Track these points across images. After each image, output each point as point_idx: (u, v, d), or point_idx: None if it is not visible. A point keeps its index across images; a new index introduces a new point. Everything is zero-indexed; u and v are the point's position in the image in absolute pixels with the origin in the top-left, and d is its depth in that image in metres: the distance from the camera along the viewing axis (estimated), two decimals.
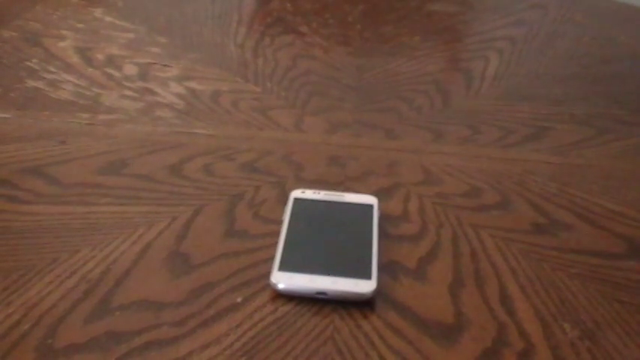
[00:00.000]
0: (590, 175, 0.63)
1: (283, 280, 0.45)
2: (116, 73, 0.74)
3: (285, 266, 0.46)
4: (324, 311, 0.45)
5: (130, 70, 0.75)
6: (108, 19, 0.88)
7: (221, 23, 0.90)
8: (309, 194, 0.54)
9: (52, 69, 0.74)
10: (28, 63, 0.75)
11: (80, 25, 0.85)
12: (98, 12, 0.90)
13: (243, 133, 0.65)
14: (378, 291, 0.45)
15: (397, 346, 0.42)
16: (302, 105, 0.71)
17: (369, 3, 1.03)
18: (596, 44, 0.92)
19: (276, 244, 0.49)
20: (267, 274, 0.46)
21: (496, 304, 0.47)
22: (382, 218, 0.53)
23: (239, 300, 0.45)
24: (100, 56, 0.78)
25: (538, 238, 0.54)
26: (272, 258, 0.47)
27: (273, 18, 0.94)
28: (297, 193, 0.54)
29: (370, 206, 0.53)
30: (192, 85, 0.73)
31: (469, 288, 0.48)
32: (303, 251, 0.48)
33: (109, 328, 0.42)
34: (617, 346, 0.44)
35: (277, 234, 0.50)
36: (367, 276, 0.46)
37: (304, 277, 0.45)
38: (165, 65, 0.77)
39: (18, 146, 0.60)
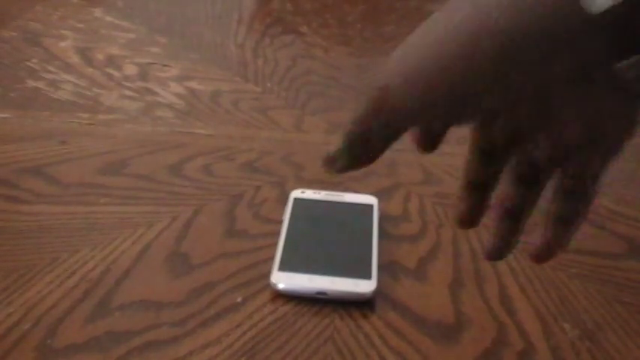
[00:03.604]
0: None
1: (283, 280, 0.45)
2: (116, 73, 0.74)
3: (285, 266, 0.46)
4: (324, 311, 0.45)
5: (130, 70, 0.75)
6: (108, 19, 0.88)
7: (221, 23, 0.90)
8: (309, 194, 0.54)
9: (52, 69, 0.74)
10: (28, 63, 0.75)
11: (80, 25, 0.85)
12: (98, 12, 0.90)
13: (243, 133, 0.65)
14: (378, 291, 0.45)
15: (397, 346, 0.42)
16: (302, 105, 0.71)
17: (369, 3, 1.03)
18: None
19: (276, 244, 0.49)
20: (267, 274, 0.46)
21: (496, 304, 0.47)
22: (382, 218, 0.53)
23: (239, 300, 0.45)
24: (100, 56, 0.78)
25: (538, 238, 0.54)
26: (272, 258, 0.47)
27: (273, 18, 0.94)
28: (297, 193, 0.54)
29: (370, 206, 0.53)
30: (192, 85, 0.73)
31: (469, 288, 0.48)
32: (303, 251, 0.48)
33: (109, 328, 0.42)
34: (617, 347, 0.44)
35: (277, 234, 0.50)
36: (367, 276, 0.46)
37: (304, 277, 0.45)
38: (165, 65, 0.77)
39: (18, 146, 0.60)
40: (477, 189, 0.34)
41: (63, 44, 0.80)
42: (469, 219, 0.35)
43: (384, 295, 0.46)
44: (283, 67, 0.79)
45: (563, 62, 0.25)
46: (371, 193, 0.55)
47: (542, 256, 0.34)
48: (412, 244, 0.51)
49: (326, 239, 0.49)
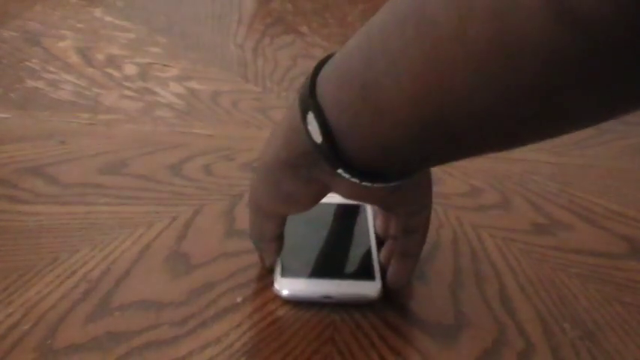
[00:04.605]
0: (591, 175, 0.63)
1: (287, 286, 0.45)
2: (116, 73, 0.74)
3: (288, 272, 0.46)
4: (325, 311, 0.45)
5: (130, 70, 0.75)
6: (108, 19, 0.88)
7: (221, 23, 0.90)
8: None
9: (52, 69, 0.74)
10: (28, 63, 0.75)
11: (80, 25, 0.85)
12: (98, 12, 0.90)
13: (243, 133, 0.65)
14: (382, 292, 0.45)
15: (397, 346, 0.42)
16: None
17: (369, 3, 1.03)
18: None
19: None
20: (267, 275, 0.46)
21: (496, 304, 0.47)
22: None
23: (239, 300, 0.45)
24: (100, 56, 0.78)
25: (538, 238, 0.54)
26: None
27: (273, 18, 0.94)
28: None
29: (363, 206, 0.53)
30: (192, 85, 0.73)
31: (469, 288, 0.48)
32: (303, 255, 0.47)
33: (109, 328, 0.42)
34: (618, 347, 0.44)
35: None
36: (371, 277, 0.46)
37: (309, 282, 0.45)
38: (165, 65, 0.77)
39: (18, 146, 0.60)
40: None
41: (63, 44, 0.80)
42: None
43: (384, 295, 0.46)
44: (283, 67, 0.79)
45: (297, 175, 0.38)
46: None
47: (395, 283, 0.46)
48: None
49: (324, 241, 0.49)
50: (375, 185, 0.37)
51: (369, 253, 0.48)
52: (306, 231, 0.50)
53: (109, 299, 0.44)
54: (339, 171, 0.36)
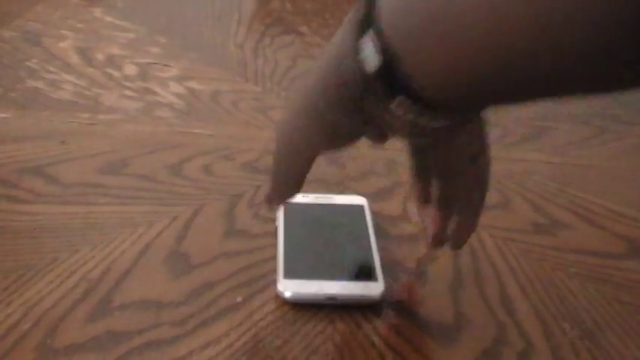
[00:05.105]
0: (590, 175, 0.63)
1: (290, 288, 0.45)
2: (116, 73, 0.74)
3: (290, 274, 0.45)
4: (324, 311, 0.45)
5: (130, 70, 0.75)
6: (108, 19, 0.88)
7: (221, 23, 0.90)
8: (299, 198, 0.53)
9: (52, 69, 0.74)
10: (28, 63, 0.75)
11: (80, 25, 0.85)
12: (98, 12, 0.90)
13: (243, 133, 0.65)
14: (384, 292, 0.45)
15: (397, 346, 0.42)
16: None
17: None
18: None
19: (276, 244, 0.49)
20: (267, 274, 0.46)
21: (496, 304, 0.47)
22: (382, 218, 0.53)
23: (239, 300, 0.45)
24: (100, 56, 0.78)
25: (538, 238, 0.54)
26: (273, 257, 0.47)
27: (273, 18, 0.94)
28: None
29: (361, 207, 0.53)
30: (192, 85, 0.73)
31: (469, 288, 0.48)
32: (305, 257, 0.47)
33: (109, 327, 0.42)
34: (617, 347, 0.44)
35: (277, 235, 0.50)
36: (374, 278, 0.46)
37: (312, 284, 0.45)
38: (165, 65, 0.77)
39: (18, 146, 0.60)
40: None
41: (63, 44, 0.80)
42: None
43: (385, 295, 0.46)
44: (283, 67, 0.79)
45: (343, 105, 0.35)
46: (371, 193, 0.55)
47: (460, 241, 0.43)
48: (412, 245, 0.51)
49: (325, 243, 0.49)
50: (428, 124, 0.34)
51: (370, 254, 0.48)
52: (307, 232, 0.50)
53: (109, 299, 0.44)
54: (394, 104, 0.33)
